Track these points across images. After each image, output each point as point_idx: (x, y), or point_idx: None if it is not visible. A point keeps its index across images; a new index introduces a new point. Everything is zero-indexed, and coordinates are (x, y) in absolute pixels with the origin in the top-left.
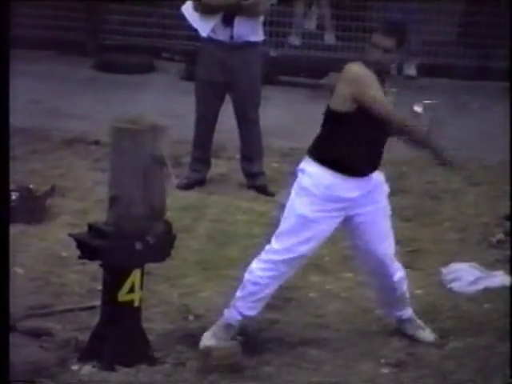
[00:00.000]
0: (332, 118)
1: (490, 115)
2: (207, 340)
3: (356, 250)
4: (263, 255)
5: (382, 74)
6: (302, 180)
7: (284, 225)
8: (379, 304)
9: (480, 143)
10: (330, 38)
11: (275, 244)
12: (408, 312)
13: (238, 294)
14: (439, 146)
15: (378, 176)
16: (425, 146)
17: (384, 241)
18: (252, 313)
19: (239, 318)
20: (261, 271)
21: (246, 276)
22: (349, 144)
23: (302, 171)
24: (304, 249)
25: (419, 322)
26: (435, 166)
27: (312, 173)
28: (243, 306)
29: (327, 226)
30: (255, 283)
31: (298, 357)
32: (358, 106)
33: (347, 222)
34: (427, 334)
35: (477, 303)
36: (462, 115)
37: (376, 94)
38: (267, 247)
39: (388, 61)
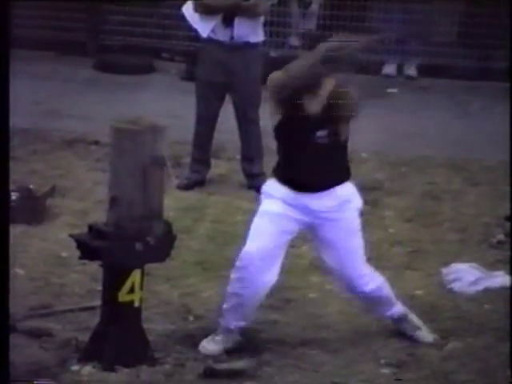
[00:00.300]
0: (275, 136)
1: (491, 116)
2: (207, 345)
3: (324, 263)
4: (235, 271)
5: None
6: (263, 189)
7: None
8: (367, 309)
9: (480, 143)
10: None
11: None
12: (399, 308)
13: (225, 306)
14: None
15: (344, 191)
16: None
17: (349, 256)
18: (241, 323)
19: (232, 327)
20: (234, 281)
21: (228, 289)
22: (286, 158)
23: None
24: (268, 244)
25: (417, 321)
26: (435, 167)
27: (270, 183)
28: (232, 318)
29: (288, 224)
30: (232, 294)
31: (298, 357)
32: (280, 116)
33: (311, 232)
34: (426, 334)
35: (477, 304)
36: (462, 116)
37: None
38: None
39: None
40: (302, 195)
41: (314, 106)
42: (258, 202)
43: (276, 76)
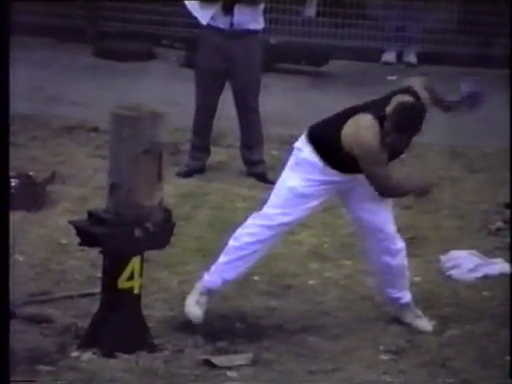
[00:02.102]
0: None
1: (491, 102)
2: (192, 308)
3: (357, 223)
4: (249, 221)
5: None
6: (298, 157)
7: (273, 196)
8: (379, 284)
9: (480, 130)
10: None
11: (262, 212)
12: (407, 296)
13: (221, 259)
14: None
15: None
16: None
17: (382, 210)
18: (231, 276)
19: (219, 283)
20: (247, 237)
21: (231, 242)
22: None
23: (299, 149)
24: (290, 218)
25: (418, 310)
26: (435, 154)
27: (308, 154)
28: (225, 270)
29: (316, 200)
30: (240, 250)
31: (297, 344)
32: None
33: (343, 196)
34: (425, 324)
35: (476, 290)
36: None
37: (377, 174)
38: (254, 215)
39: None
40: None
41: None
42: (257, 188)
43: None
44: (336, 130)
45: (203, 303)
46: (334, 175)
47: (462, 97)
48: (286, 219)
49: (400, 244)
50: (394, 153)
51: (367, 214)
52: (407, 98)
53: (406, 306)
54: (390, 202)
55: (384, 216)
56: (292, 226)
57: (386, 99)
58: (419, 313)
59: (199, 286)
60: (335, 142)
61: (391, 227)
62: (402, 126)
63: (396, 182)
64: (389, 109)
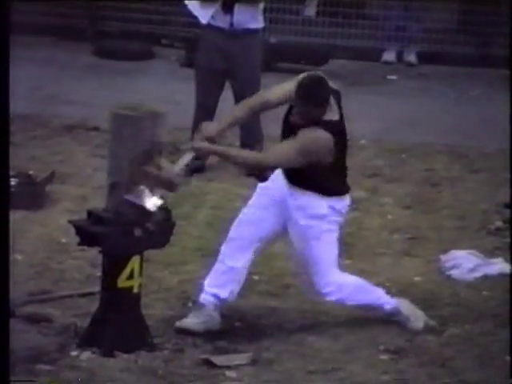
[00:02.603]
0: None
1: (490, 102)
2: (188, 319)
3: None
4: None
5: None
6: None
7: None
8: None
9: (480, 130)
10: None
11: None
12: (387, 306)
13: (210, 276)
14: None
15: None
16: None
17: (308, 262)
18: (225, 296)
19: (212, 300)
20: (223, 258)
21: (216, 263)
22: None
23: None
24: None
25: (407, 312)
26: (435, 154)
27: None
28: (217, 288)
29: (262, 209)
30: (219, 263)
31: (296, 343)
32: None
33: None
34: (415, 323)
35: (476, 290)
36: (462, 102)
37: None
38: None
39: (318, 115)
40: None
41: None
42: (256, 188)
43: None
44: None
45: (198, 317)
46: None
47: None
48: (247, 229)
49: (337, 295)
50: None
51: (297, 252)
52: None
53: (393, 312)
54: (326, 251)
55: (312, 263)
56: (251, 231)
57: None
58: (408, 314)
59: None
60: None
61: (319, 278)
62: (301, 94)
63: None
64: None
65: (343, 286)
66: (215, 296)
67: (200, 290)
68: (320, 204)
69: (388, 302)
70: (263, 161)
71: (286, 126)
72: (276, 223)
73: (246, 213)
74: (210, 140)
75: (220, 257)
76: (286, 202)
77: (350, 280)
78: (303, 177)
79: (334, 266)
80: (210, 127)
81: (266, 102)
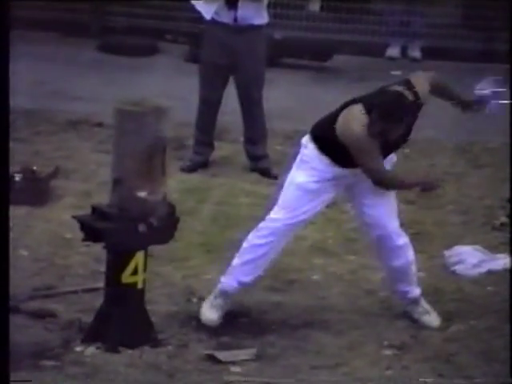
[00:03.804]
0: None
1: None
2: (207, 311)
3: (361, 219)
4: (261, 224)
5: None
6: (303, 154)
7: (283, 195)
8: (387, 280)
9: (484, 125)
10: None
11: (273, 213)
12: (416, 292)
13: (235, 261)
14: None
15: None
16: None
17: (384, 205)
18: (248, 279)
19: (235, 285)
20: (257, 239)
21: (244, 245)
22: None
23: (305, 146)
24: (300, 218)
25: (426, 306)
26: (439, 149)
27: (312, 150)
28: (240, 272)
29: (323, 197)
30: (252, 251)
31: (301, 339)
32: None
33: (348, 192)
34: (433, 319)
35: (480, 286)
36: (466, 97)
37: (369, 165)
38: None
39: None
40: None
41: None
42: (261, 183)
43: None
44: (334, 123)
45: (218, 306)
46: (338, 170)
47: (480, 95)
48: (294, 219)
49: (402, 241)
50: (387, 145)
51: (368, 209)
52: (398, 89)
53: (413, 300)
54: (392, 198)
55: (385, 211)
56: (302, 225)
57: (382, 91)
58: (428, 308)
59: (215, 289)
60: (334, 135)
61: (393, 224)
62: (384, 115)
63: (393, 174)
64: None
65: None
66: (240, 282)
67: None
68: None
69: (417, 286)
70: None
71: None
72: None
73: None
74: None
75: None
76: (341, 179)
77: None
78: None
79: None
80: None
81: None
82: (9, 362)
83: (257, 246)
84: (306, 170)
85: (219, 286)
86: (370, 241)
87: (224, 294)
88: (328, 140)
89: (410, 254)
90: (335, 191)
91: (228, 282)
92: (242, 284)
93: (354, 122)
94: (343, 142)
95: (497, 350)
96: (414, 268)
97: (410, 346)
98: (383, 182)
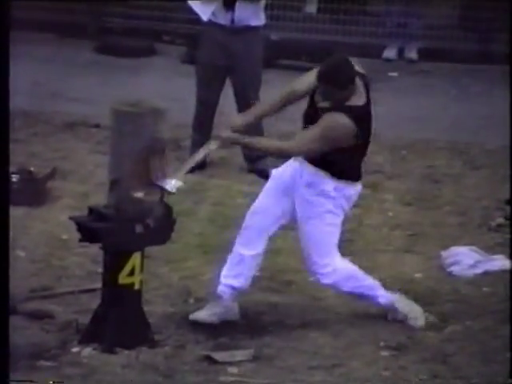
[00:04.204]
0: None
1: (491, 99)
2: (200, 312)
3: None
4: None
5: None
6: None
7: None
8: None
9: (481, 127)
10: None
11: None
12: (385, 298)
13: (226, 266)
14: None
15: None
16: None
17: (310, 240)
18: (240, 284)
19: (227, 291)
20: (238, 243)
21: (232, 250)
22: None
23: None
24: (266, 217)
25: (404, 309)
26: (436, 150)
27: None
28: (231, 278)
29: (281, 198)
30: (236, 255)
31: (298, 339)
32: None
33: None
34: (415, 320)
35: (476, 287)
36: (463, 99)
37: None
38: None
39: (341, 99)
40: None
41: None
42: (257, 184)
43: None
44: None
45: (212, 309)
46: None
47: None
48: (260, 216)
49: (327, 279)
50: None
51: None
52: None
53: (388, 306)
54: (329, 232)
55: (311, 243)
56: (274, 225)
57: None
58: (406, 310)
59: (212, 294)
60: None
61: (315, 259)
62: (324, 75)
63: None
64: None
65: (338, 269)
66: (231, 287)
67: (216, 282)
68: (328, 183)
69: (382, 295)
70: (286, 150)
71: (306, 119)
72: (286, 207)
73: (259, 201)
74: (236, 132)
75: (234, 247)
76: (296, 181)
77: (346, 265)
78: (318, 156)
79: (333, 248)
80: (237, 119)
81: (293, 91)
82: (8, 362)
83: (238, 251)
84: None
85: (214, 291)
86: None
87: (219, 298)
88: None
89: (346, 286)
90: (289, 196)
91: (221, 287)
92: (233, 288)
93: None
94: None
95: (493, 351)
96: (360, 283)
97: (407, 346)
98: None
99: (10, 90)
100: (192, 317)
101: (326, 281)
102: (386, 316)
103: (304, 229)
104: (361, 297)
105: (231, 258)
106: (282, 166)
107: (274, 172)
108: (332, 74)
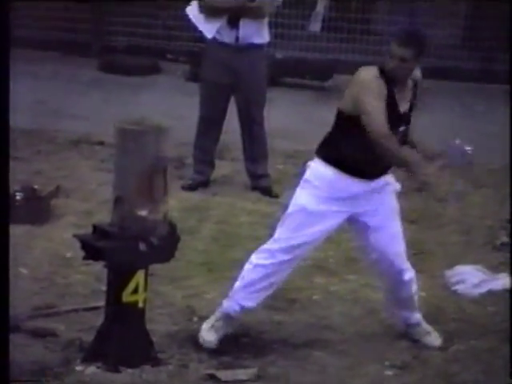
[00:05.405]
0: (340, 119)
1: (495, 118)
2: (205, 332)
3: (364, 251)
4: (263, 246)
5: (397, 83)
6: (307, 174)
7: (286, 216)
8: (387, 304)
9: (485, 146)
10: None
11: (276, 234)
12: (416, 317)
13: (237, 284)
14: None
15: (384, 176)
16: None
17: (393, 241)
18: (250, 304)
19: (238, 309)
20: (259, 260)
21: (246, 266)
22: (354, 146)
23: (308, 166)
24: (302, 240)
25: (426, 326)
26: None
27: (316, 168)
28: (242, 296)
29: (328, 221)
30: (254, 272)
31: (302, 358)
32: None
33: (353, 221)
34: (433, 339)
35: (481, 306)
36: (466, 117)
37: (371, 106)
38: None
39: (404, 70)
40: (355, 178)
41: (403, 104)
42: (262, 202)
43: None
44: (335, 133)
45: (218, 328)
46: (343, 189)
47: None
48: (296, 242)
49: (408, 276)
50: (393, 114)
51: (377, 244)
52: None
53: (416, 324)
54: (400, 232)
55: (394, 248)
56: (305, 250)
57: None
58: (428, 329)
59: (217, 312)
60: (339, 142)
61: (400, 260)
62: (404, 39)
63: (391, 134)
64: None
65: (410, 267)
66: (243, 307)
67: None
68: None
69: (418, 314)
70: (380, 142)
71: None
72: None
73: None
74: None
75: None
76: (360, 196)
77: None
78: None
79: None
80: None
81: None
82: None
83: (258, 267)
84: (309, 190)
85: (221, 309)
86: (372, 264)
87: (226, 317)
88: (334, 148)
89: (414, 287)
90: (338, 217)
91: (230, 305)
92: (244, 308)
93: (366, 70)
94: (353, 104)
95: (498, 371)
96: (415, 296)
97: (411, 365)
98: (379, 137)
99: (14, 109)
100: (202, 341)
101: (404, 276)
102: (391, 335)
103: (388, 232)
104: (410, 303)
105: (250, 279)
106: (319, 201)
107: (314, 208)
108: (415, 34)
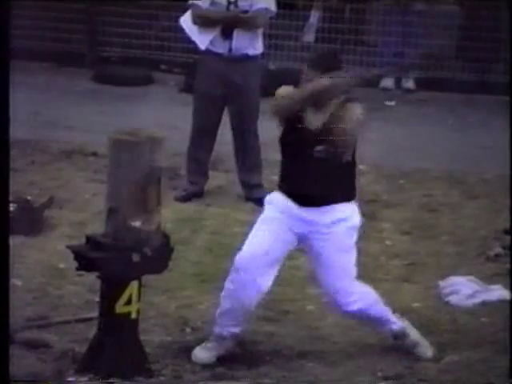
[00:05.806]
0: (280, 147)
1: (489, 129)
2: (198, 349)
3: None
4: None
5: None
6: (267, 197)
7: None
8: (362, 325)
9: (479, 157)
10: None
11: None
12: (396, 325)
13: (218, 311)
14: None
15: (343, 209)
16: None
17: (335, 273)
18: (236, 329)
19: (224, 333)
20: (228, 283)
21: (222, 293)
22: (287, 170)
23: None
24: (258, 249)
25: (415, 337)
26: (433, 180)
27: (273, 193)
28: (225, 323)
29: (281, 234)
30: (226, 297)
31: (295, 369)
32: (284, 128)
33: (306, 245)
34: (425, 350)
35: (474, 317)
36: (460, 128)
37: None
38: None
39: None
40: (302, 208)
41: (315, 121)
42: (256, 213)
43: (284, 90)
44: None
45: (211, 347)
46: (291, 211)
47: None
48: (253, 249)
49: (357, 305)
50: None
51: (319, 274)
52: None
53: (400, 334)
54: (346, 268)
55: (335, 281)
56: (268, 265)
57: None
58: (417, 339)
59: (211, 333)
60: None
61: (345, 293)
62: (315, 60)
63: (279, 96)
64: None
65: (364, 294)
66: (232, 333)
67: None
68: (355, 211)
69: (395, 321)
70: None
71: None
72: (287, 249)
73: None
74: None
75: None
76: (311, 226)
77: (369, 289)
78: (344, 186)
79: (354, 275)
80: None
81: None
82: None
83: (228, 291)
84: (268, 206)
85: (214, 330)
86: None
87: (217, 337)
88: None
89: (374, 310)
90: (294, 235)
91: (218, 330)
92: (231, 333)
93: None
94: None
95: (491, 382)
96: (381, 311)
97: (405, 376)
98: (273, 109)
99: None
100: (194, 358)
101: (350, 308)
102: (386, 345)
103: (332, 263)
104: (379, 322)
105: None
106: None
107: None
108: (320, 58)
